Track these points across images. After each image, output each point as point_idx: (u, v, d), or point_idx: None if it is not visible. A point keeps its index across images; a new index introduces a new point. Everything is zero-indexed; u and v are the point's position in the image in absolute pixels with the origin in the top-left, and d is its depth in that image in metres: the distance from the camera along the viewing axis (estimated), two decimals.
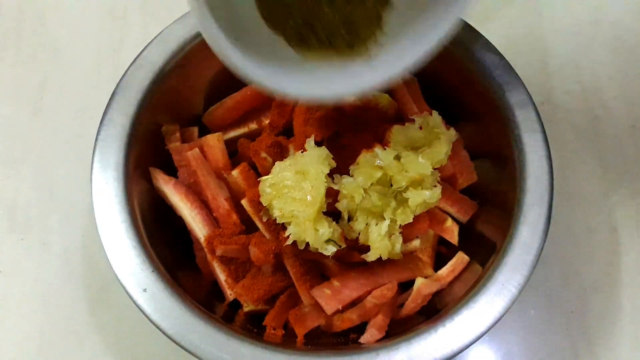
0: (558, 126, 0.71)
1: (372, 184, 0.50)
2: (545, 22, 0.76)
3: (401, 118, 0.60)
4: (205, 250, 0.55)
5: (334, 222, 0.50)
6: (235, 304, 0.55)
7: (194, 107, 0.62)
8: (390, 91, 0.61)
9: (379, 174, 0.50)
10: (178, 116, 0.60)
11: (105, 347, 0.62)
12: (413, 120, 0.55)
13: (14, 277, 0.64)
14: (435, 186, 0.51)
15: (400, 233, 0.51)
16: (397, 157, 0.51)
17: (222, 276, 0.55)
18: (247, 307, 0.55)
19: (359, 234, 0.51)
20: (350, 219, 0.51)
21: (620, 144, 0.70)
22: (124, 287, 0.49)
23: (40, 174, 0.68)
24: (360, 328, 0.53)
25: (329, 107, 0.55)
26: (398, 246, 0.51)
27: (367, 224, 0.50)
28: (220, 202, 0.56)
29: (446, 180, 0.58)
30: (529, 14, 0.77)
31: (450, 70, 0.59)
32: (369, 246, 0.50)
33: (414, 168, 0.50)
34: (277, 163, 0.52)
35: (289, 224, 0.49)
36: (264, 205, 0.51)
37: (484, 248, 0.55)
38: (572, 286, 0.64)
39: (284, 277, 0.54)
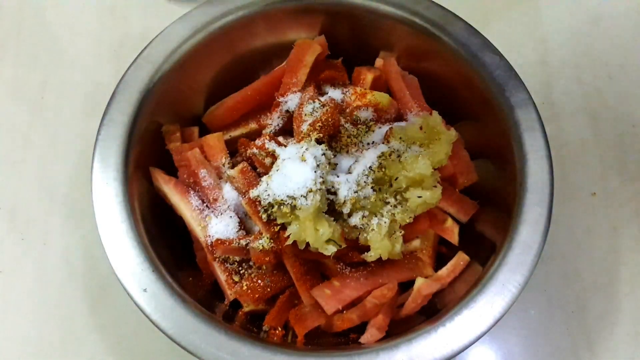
0: (558, 126, 0.71)
1: (369, 178, 0.50)
2: (545, 22, 0.76)
3: (401, 118, 0.60)
4: (206, 250, 0.55)
5: (334, 222, 0.50)
6: (236, 304, 0.55)
7: (194, 107, 0.63)
8: (391, 91, 0.61)
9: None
10: (178, 116, 0.60)
11: (105, 347, 0.62)
12: (413, 120, 0.55)
13: (14, 277, 0.64)
14: (435, 186, 0.51)
15: (400, 233, 0.51)
16: (398, 157, 0.51)
17: (222, 276, 0.55)
18: (247, 307, 0.55)
19: (359, 234, 0.51)
20: (350, 215, 0.51)
21: (620, 144, 0.70)
22: (124, 287, 0.49)
23: (40, 174, 0.68)
24: (361, 328, 0.53)
25: (331, 108, 0.55)
26: (398, 246, 0.51)
27: (367, 223, 0.50)
28: (221, 202, 0.56)
29: (446, 180, 0.58)
30: (529, 14, 0.77)
31: (450, 71, 0.59)
32: (369, 246, 0.50)
33: (414, 168, 0.50)
34: (276, 163, 0.52)
35: (289, 224, 0.49)
36: (264, 205, 0.51)
37: (484, 248, 0.55)
38: (572, 286, 0.64)
39: (284, 277, 0.54)
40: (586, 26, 0.76)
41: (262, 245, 0.51)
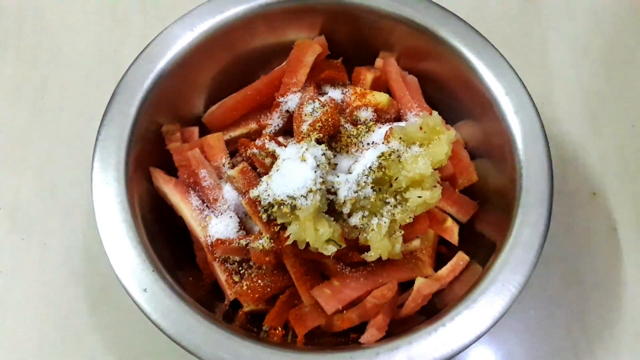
0: (558, 126, 0.71)
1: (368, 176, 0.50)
2: (545, 21, 0.76)
3: (401, 118, 0.60)
4: (206, 250, 0.55)
5: (334, 222, 0.50)
6: (236, 304, 0.55)
7: (194, 107, 0.63)
8: (391, 91, 0.61)
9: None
10: (178, 116, 0.60)
11: (105, 347, 0.62)
12: (413, 120, 0.55)
13: (14, 277, 0.64)
14: (435, 186, 0.51)
15: (400, 233, 0.51)
16: (398, 157, 0.51)
17: (222, 276, 0.55)
18: (247, 307, 0.55)
19: (359, 234, 0.51)
20: (350, 215, 0.51)
21: (620, 144, 0.70)
22: (124, 287, 0.49)
23: (40, 174, 0.68)
24: (361, 328, 0.53)
25: (331, 108, 0.55)
26: (398, 246, 0.51)
27: (367, 223, 0.50)
28: (220, 202, 0.56)
29: (446, 180, 0.58)
30: (529, 14, 0.77)
31: (450, 71, 0.59)
32: (369, 246, 0.50)
33: (414, 168, 0.50)
34: (276, 163, 0.52)
35: (289, 224, 0.49)
36: (264, 205, 0.51)
37: (484, 248, 0.55)
38: (572, 286, 0.64)
39: (284, 277, 0.54)
40: (587, 26, 0.76)
41: (262, 245, 0.51)
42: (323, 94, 0.61)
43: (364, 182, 0.50)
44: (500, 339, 0.62)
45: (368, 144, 0.54)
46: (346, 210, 0.50)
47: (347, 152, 0.54)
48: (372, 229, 0.50)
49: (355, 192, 0.50)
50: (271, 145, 0.54)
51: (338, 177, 0.51)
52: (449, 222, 0.57)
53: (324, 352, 0.48)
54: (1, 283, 0.64)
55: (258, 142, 0.55)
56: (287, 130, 0.60)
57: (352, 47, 0.63)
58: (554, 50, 0.75)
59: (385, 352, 0.47)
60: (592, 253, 0.65)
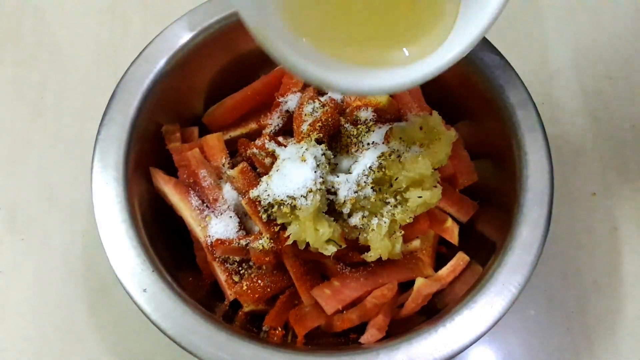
0: (558, 126, 0.71)
1: (368, 177, 0.50)
2: (545, 21, 0.76)
3: (401, 118, 0.60)
4: (206, 250, 0.55)
5: (334, 222, 0.50)
6: (235, 304, 0.55)
7: (194, 107, 0.63)
8: None
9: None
10: (178, 116, 0.60)
11: (105, 347, 0.62)
12: (413, 120, 0.55)
13: (14, 277, 0.64)
14: (435, 186, 0.51)
15: (400, 233, 0.51)
16: (398, 157, 0.51)
17: (222, 276, 0.55)
18: (247, 307, 0.55)
19: (359, 234, 0.51)
20: (350, 215, 0.51)
21: (620, 144, 0.70)
22: (124, 287, 0.49)
23: (40, 174, 0.68)
24: (361, 328, 0.53)
25: (331, 108, 0.55)
26: (398, 246, 0.51)
27: (367, 223, 0.50)
28: (220, 202, 0.56)
29: (446, 180, 0.58)
30: (529, 13, 0.76)
31: (450, 71, 0.59)
32: (369, 246, 0.50)
33: (414, 168, 0.50)
34: (276, 163, 0.52)
35: (289, 224, 0.49)
36: (264, 205, 0.51)
37: (484, 248, 0.55)
38: (572, 286, 0.64)
39: (284, 277, 0.54)
40: (587, 26, 0.76)
41: (262, 245, 0.51)
42: (323, 94, 0.61)
43: (364, 182, 0.50)
44: (500, 339, 0.62)
45: (368, 144, 0.54)
46: (346, 210, 0.50)
47: (347, 152, 0.54)
48: (372, 229, 0.50)
49: (355, 192, 0.50)
50: (271, 145, 0.54)
51: (338, 177, 0.51)
52: (449, 222, 0.57)
53: (324, 353, 0.48)
54: (1, 283, 0.64)
55: (258, 142, 0.55)
56: (287, 130, 0.60)
57: None
58: (555, 50, 0.75)
59: (385, 352, 0.47)
60: (592, 253, 0.65)
